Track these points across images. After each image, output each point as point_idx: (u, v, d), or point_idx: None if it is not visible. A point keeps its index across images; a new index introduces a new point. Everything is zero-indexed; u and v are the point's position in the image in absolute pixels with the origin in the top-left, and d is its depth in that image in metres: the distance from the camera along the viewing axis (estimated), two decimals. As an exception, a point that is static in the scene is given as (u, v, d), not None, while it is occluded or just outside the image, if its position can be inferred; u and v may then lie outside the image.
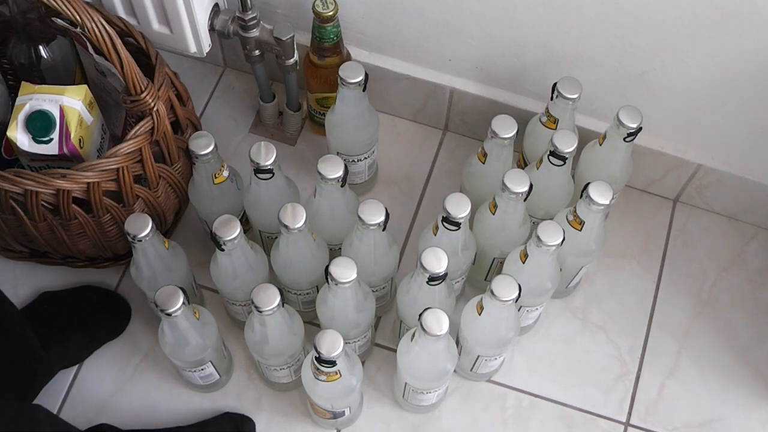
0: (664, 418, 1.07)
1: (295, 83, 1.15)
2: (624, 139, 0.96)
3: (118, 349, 1.08)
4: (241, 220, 0.90)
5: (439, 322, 0.82)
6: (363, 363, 1.02)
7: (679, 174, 1.15)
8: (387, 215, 0.87)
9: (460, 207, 0.88)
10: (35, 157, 0.94)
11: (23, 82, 0.94)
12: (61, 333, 1.04)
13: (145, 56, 0.98)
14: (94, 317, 1.07)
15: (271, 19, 1.11)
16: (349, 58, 1.11)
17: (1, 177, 0.88)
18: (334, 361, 0.81)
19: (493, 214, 0.95)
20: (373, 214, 0.87)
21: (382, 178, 1.21)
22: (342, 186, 0.91)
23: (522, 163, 1.12)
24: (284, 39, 1.04)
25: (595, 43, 1.01)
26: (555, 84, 0.97)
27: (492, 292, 0.84)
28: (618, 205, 1.19)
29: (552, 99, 0.99)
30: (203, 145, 0.92)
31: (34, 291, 1.11)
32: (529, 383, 1.08)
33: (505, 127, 0.95)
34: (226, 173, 0.97)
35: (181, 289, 0.85)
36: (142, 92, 0.90)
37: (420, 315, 0.83)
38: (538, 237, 0.87)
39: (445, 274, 0.86)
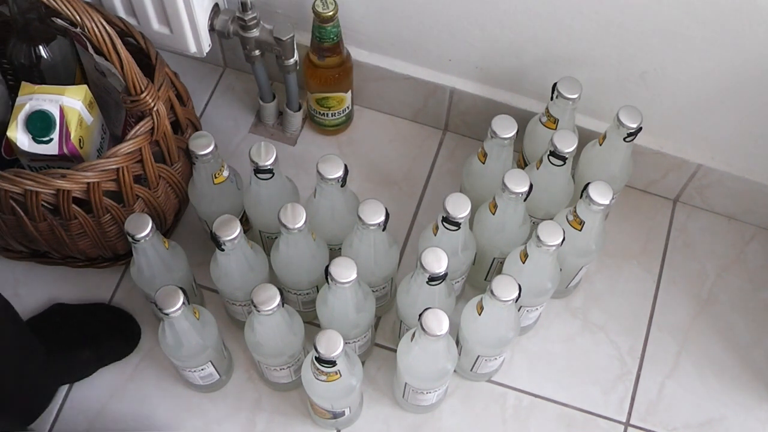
0: (664, 418, 1.07)
1: (295, 83, 1.15)
2: (624, 139, 0.96)
3: (118, 349, 1.08)
4: (241, 220, 0.90)
5: (439, 322, 0.82)
6: (363, 363, 1.02)
7: (679, 174, 1.15)
8: (387, 215, 0.87)
9: (460, 207, 0.88)
10: (35, 157, 0.94)
11: (23, 82, 0.94)
12: (69, 349, 1.03)
13: (145, 56, 0.98)
14: (104, 337, 1.06)
15: (271, 19, 1.11)
16: (349, 58, 1.11)
17: (1, 177, 0.88)
18: (334, 361, 0.81)
19: (493, 214, 0.95)
20: (373, 214, 0.87)
21: (382, 178, 1.21)
22: (342, 186, 0.91)
23: (522, 163, 1.12)
24: (284, 39, 1.04)
25: (595, 43, 1.00)
26: (555, 84, 0.97)
27: (492, 292, 0.84)
28: (618, 205, 1.19)
29: (552, 99, 0.99)
30: (203, 145, 0.92)
31: (34, 291, 1.11)
32: (529, 383, 1.08)
33: (505, 127, 0.95)
34: (226, 173, 0.97)
35: (181, 289, 0.85)
36: (142, 92, 0.90)
37: (420, 315, 0.82)
38: (538, 237, 0.87)
39: (445, 274, 0.86)
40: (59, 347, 1.02)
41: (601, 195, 0.89)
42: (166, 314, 0.85)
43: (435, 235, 0.92)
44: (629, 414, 1.07)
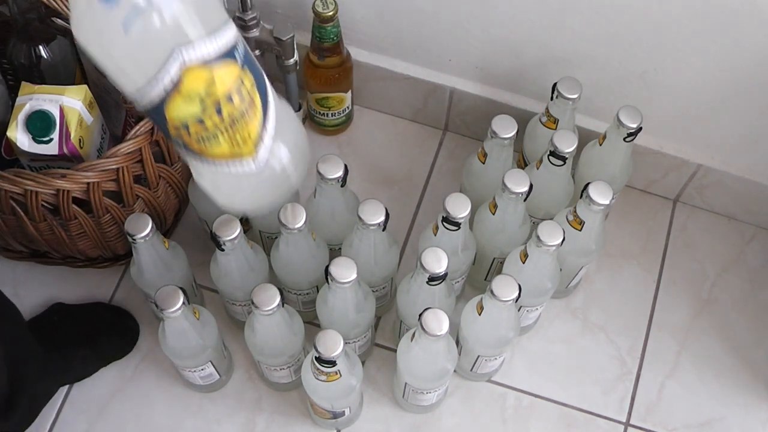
0: (664, 418, 1.07)
1: (295, 83, 1.15)
2: (624, 139, 0.96)
3: (118, 349, 1.08)
4: (241, 220, 0.90)
5: (439, 322, 0.82)
6: (363, 363, 1.02)
7: (679, 174, 1.15)
8: (387, 215, 0.87)
9: (460, 207, 0.88)
10: (35, 157, 0.94)
11: (23, 82, 0.94)
12: (67, 348, 1.03)
13: (145, 56, 0.98)
14: (102, 335, 1.06)
15: (271, 19, 1.11)
16: (349, 58, 1.11)
17: (1, 177, 0.87)
18: (334, 361, 0.81)
19: (493, 214, 0.95)
20: (373, 214, 0.87)
21: (382, 178, 1.21)
22: (342, 186, 0.91)
23: (522, 163, 1.12)
24: (284, 39, 1.04)
25: (595, 43, 1.01)
26: (555, 84, 0.97)
27: (492, 292, 0.84)
28: (618, 205, 1.19)
29: (552, 99, 0.99)
30: (203, 145, 0.92)
31: (34, 291, 1.11)
32: (529, 383, 1.08)
33: (505, 127, 0.95)
34: (226, 173, 0.97)
35: (181, 289, 0.85)
36: (142, 92, 0.90)
37: (420, 315, 0.82)
38: (538, 237, 0.87)
39: (445, 274, 0.86)
40: (57, 346, 1.02)
41: (601, 195, 0.89)
42: (167, 314, 0.85)
43: (435, 235, 0.92)
44: (629, 414, 1.07)
